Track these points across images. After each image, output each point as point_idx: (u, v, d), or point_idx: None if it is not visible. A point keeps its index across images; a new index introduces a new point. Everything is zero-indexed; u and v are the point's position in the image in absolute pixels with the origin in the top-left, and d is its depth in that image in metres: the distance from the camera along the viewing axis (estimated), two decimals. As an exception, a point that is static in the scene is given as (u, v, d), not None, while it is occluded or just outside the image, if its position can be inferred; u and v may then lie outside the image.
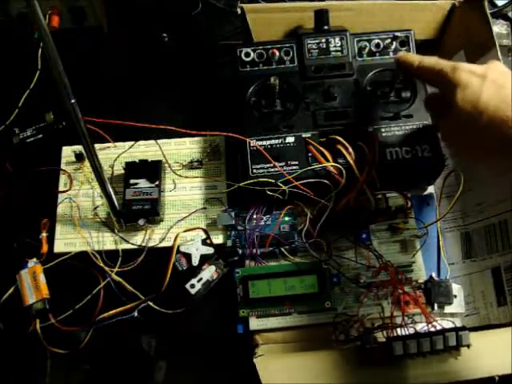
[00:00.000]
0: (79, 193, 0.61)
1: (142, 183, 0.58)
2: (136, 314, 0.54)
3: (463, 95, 0.43)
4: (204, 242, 0.56)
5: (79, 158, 0.61)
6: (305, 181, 0.53)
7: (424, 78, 0.50)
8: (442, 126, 0.48)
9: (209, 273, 0.54)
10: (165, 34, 0.72)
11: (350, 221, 0.55)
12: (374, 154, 0.53)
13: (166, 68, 0.71)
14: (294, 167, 0.54)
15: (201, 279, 0.53)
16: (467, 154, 0.48)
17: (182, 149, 0.62)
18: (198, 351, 0.56)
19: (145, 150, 0.62)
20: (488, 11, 0.57)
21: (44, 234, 0.58)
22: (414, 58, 0.49)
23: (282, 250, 0.55)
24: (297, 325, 0.53)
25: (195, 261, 0.54)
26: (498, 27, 0.75)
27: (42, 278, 0.55)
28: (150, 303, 0.54)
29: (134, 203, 0.57)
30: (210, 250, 0.55)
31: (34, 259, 0.56)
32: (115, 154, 0.62)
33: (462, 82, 0.43)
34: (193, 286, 0.53)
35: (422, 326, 0.50)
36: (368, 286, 0.53)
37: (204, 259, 0.55)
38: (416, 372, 0.45)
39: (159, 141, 0.62)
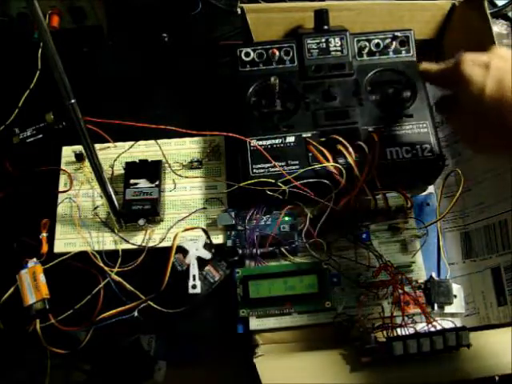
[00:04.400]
0: (79, 193, 0.61)
1: (142, 183, 0.58)
2: (136, 314, 0.54)
3: (468, 90, 0.42)
4: (206, 246, 0.55)
5: (79, 158, 0.61)
6: (305, 181, 0.53)
7: (439, 82, 0.50)
8: (453, 122, 0.48)
9: (195, 267, 0.53)
10: (165, 34, 0.72)
11: (350, 221, 0.55)
12: (374, 153, 0.53)
13: (166, 68, 0.71)
14: (294, 167, 0.54)
15: (194, 276, 0.53)
16: (480, 149, 0.48)
17: (182, 149, 0.62)
18: (198, 351, 0.56)
19: (145, 149, 0.62)
20: (488, 11, 0.58)
21: (44, 234, 0.58)
22: (431, 65, 0.49)
23: (282, 249, 0.55)
24: (297, 325, 0.53)
25: (189, 260, 0.54)
26: (498, 27, 0.75)
27: (42, 278, 0.55)
28: (150, 303, 0.54)
29: (133, 203, 0.57)
30: (207, 256, 0.55)
31: (34, 259, 0.56)
32: (115, 154, 0.62)
33: (465, 76, 0.42)
34: (194, 286, 0.53)
35: (422, 326, 0.50)
36: (368, 286, 0.53)
37: (199, 262, 0.55)
38: (416, 372, 0.45)
39: (159, 141, 0.62)
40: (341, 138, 0.54)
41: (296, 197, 0.54)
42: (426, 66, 0.50)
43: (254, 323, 0.53)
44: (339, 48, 0.58)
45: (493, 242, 0.56)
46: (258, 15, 0.62)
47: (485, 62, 0.42)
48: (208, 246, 0.55)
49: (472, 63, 0.43)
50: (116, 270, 0.56)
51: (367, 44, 0.59)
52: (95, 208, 0.60)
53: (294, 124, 0.56)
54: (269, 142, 0.55)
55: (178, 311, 0.54)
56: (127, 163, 0.60)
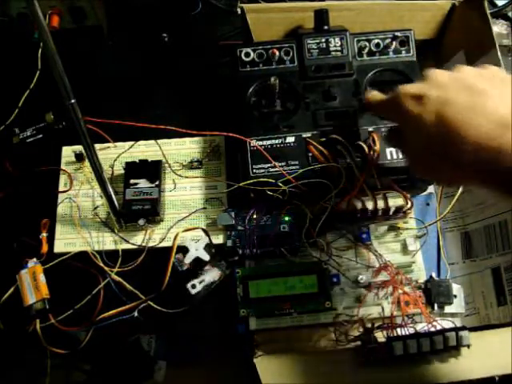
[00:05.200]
0: (79, 193, 0.61)
1: (142, 183, 0.58)
2: (136, 314, 0.54)
3: (407, 126, 0.40)
4: (206, 248, 0.55)
5: (79, 158, 0.61)
6: (305, 181, 0.53)
7: (381, 114, 0.49)
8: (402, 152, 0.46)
9: (211, 276, 0.54)
10: (165, 34, 0.72)
11: (350, 221, 0.55)
12: (374, 153, 0.53)
13: (166, 68, 0.71)
14: (294, 167, 0.54)
15: (203, 281, 0.53)
16: (434, 180, 0.46)
17: (182, 149, 0.62)
18: (198, 351, 0.56)
19: (145, 149, 0.62)
20: (488, 11, 0.58)
21: (44, 234, 0.58)
22: (376, 96, 0.47)
23: (282, 250, 0.55)
24: (297, 325, 0.53)
25: (189, 259, 0.54)
26: (498, 27, 0.75)
27: (42, 278, 0.55)
28: (150, 303, 0.54)
29: (133, 203, 0.57)
30: (205, 258, 0.55)
31: (34, 259, 0.56)
32: (115, 154, 0.62)
33: (402, 112, 0.39)
34: (194, 286, 0.53)
35: (422, 326, 0.50)
36: (368, 286, 0.53)
37: (197, 262, 0.55)
38: (416, 372, 0.45)
39: (159, 141, 0.62)
40: (341, 138, 0.54)
41: (296, 197, 0.54)
42: (370, 95, 0.47)
43: (254, 323, 0.53)
44: (339, 48, 0.58)
45: (493, 242, 0.56)
46: (258, 15, 0.62)
47: (420, 95, 0.38)
48: (208, 247, 0.55)
49: (407, 98, 0.39)
50: (116, 269, 0.56)
51: (367, 44, 0.59)
52: (95, 208, 0.60)
53: (294, 124, 0.56)
54: (269, 142, 0.55)
55: (178, 311, 0.54)
56: (127, 163, 0.60)
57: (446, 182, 0.45)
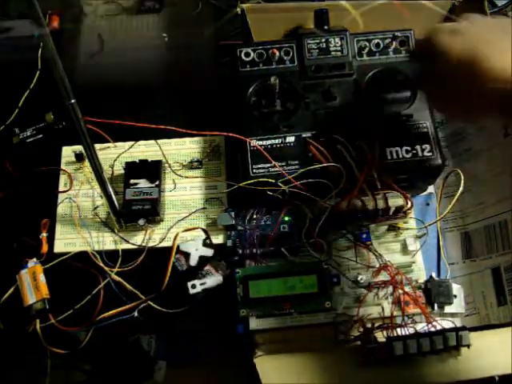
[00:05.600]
0: (79, 193, 0.61)
1: (142, 183, 0.58)
2: (136, 314, 0.54)
3: (436, 56, 0.43)
4: (205, 243, 0.55)
5: (79, 158, 0.61)
6: (305, 181, 0.53)
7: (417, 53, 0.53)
8: (427, 90, 0.51)
9: (213, 281, 0.54)
10: (165, 34, 0.72)
11: (350, 221, 0.55)
12: (374, 153, 0.53)
13: (166, 68, 0.71)
14: (294, 167, 0.54)
15: (204, 283, 0.53)
16: (452, 115, 0.51)
17: (182, 149, 0.62)
18: (198, 351, 0.56)
19: (145, 149, 0.62)
20: (488, 11, 0.58)
21: (44, 234, 0.58)
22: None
23: (282, 250, 0.55)
24: (297, 325, 0.53)
25: (193, 261, 0.54)
26: (498, 27, 0.74)
27: (42, 278, 0.55)
28: (150, 303, 0.54)
29: (133, 203, 0.57)
30: (209, 253, 0.55)
31: (34, 259, 0.56)
32: (115, 154, 0.62)
33: (433, 45, 0.44)
34: (194, 286, 0.53)
35: (422, 326, 0.50)
36: (368, 286, 0.53)
37: (202, 261, 0.55)
38: (416, 372, 0.45)
39: (159, 141, 0.62)
40: (341, 138, 0.54)
41: (296, 197, 0.54)
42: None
43: (254, 323, 0.53)
44: (339, 48, 0.58)
45: (493, 242, 0.56)
46: (258, 15, 0.62)
47: (455, 30, 0.43)
48: (207, 242, 0.55)
49: (442, 32, 0.44)
50: (116, 269, 0.56)
51: (367, 44, 0.59)
52: (95, 208, 0.60)
53: (294, 124, 0.56)
54: (269, 141, 0.55)
55: (178, 311, 0.54)
56: (127, 163, 0.60)
57: (465, 116, 0.49)
